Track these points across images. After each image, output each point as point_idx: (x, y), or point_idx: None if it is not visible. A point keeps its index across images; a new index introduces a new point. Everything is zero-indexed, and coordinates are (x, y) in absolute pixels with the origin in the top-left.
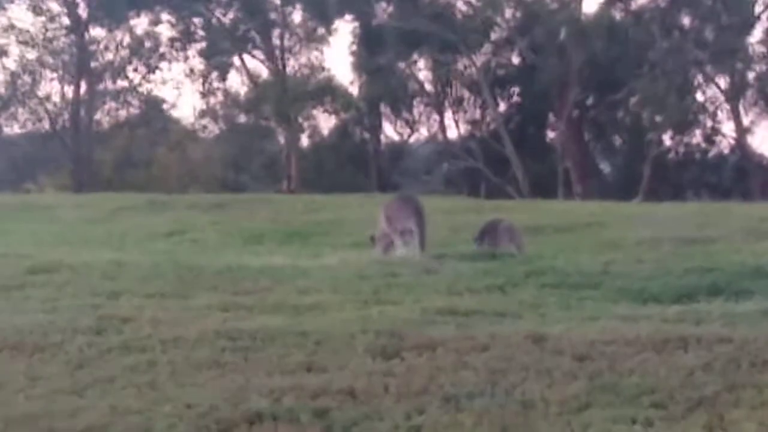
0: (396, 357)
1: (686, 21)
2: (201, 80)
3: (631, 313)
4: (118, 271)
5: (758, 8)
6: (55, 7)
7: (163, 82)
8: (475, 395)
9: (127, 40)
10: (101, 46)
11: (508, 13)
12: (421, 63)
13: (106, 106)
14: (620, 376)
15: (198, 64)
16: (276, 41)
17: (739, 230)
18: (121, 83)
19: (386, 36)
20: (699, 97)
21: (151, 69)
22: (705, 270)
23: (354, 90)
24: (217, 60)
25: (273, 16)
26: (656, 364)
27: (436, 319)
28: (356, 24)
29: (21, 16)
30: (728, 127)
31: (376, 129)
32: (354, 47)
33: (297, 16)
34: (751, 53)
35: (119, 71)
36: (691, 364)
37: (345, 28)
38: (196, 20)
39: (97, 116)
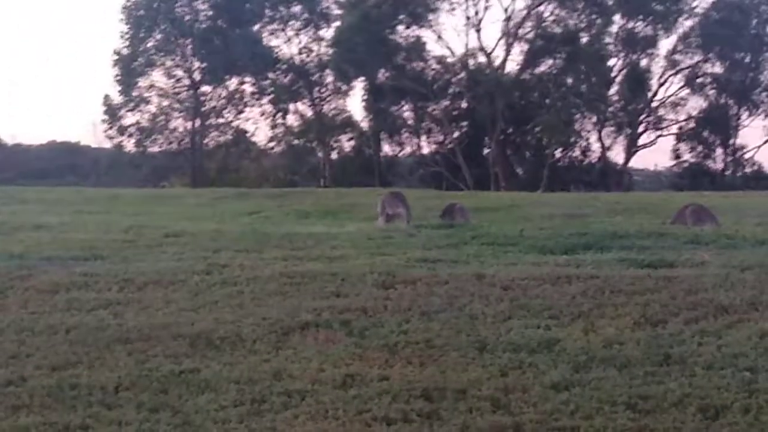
0: (391, 288)
1: (570, 80)
2: (270, 118)
3: (536, 260)
4: (219, 236)
5: (614, 74)
6: (180, 73)
7: (247, 120)
8: (440, 311)
9: (224, 93)
10: (208, 97)
11: (460, 76)
12: (406, 107)
13: (211, 134)
14: (530, 299)
15: (268, 107)
16: (316, 94)
17: (602, 209)
18: (220, 120)
19: (384, 90)
20: (577, 127)
21: (239, 111)
22: (581, 233)
23: (365, 124)
24: (280, 105)
25: (314, 78)
26: (552, 292)
27: (415, 265)
28: (366, 83)
29: (159, 78)
30: (595, 146)
31: (378, 148)
32: (365, 97)
33: (329, 77)
34: (609, 101)
35: (219, 112)
36: (574, 291)
37: (359, 85)
38: (267, 81)
39: (206, 141)
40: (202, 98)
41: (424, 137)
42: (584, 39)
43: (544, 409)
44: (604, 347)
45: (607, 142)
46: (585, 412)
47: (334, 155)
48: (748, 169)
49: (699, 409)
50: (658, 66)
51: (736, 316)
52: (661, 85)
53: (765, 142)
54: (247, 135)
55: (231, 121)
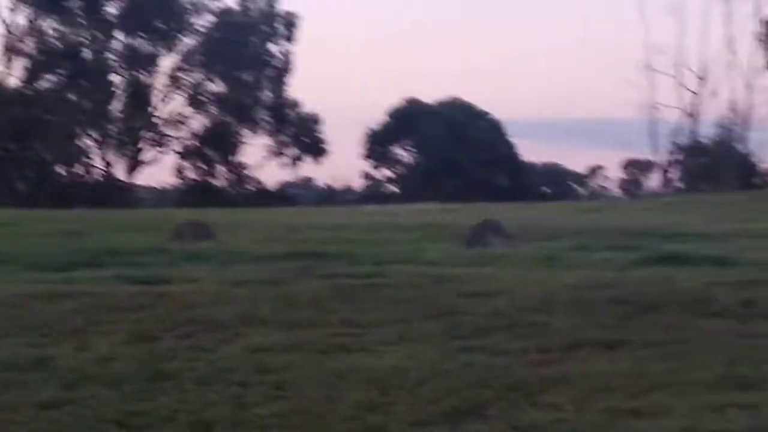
0: None
1: (73, 96)
2: None
3: (32, 278)
4: None
5: (117, 90)
6: None
7: None
8: None
9: None
10: None
11: None
12: None
13: None
14: (23, 317)
15: None
16: None
17: (102, 227)
18: None
19: None
20: (80, 143)
21: None
22: (79, 251)
23: None
24: None
25: None
26: (45, 309)
27: None
28: None
29: None
30: (99, 163)
31: None
32: None
33: None
34: (112, 118)
35: None
36: (67, 308)
37: None
38: None
39: None
40: None
41: None
42: (88, 55)
43: (34, 427)
44: (95, 364)
45: (110, 158)
46: (75, 431)
47: None
48: (250, 186)
49: (188, 424)
50: (160, 83)
51: (229, 331)
52: (164, 102)
53: (265, 160)
54: None
55: None
